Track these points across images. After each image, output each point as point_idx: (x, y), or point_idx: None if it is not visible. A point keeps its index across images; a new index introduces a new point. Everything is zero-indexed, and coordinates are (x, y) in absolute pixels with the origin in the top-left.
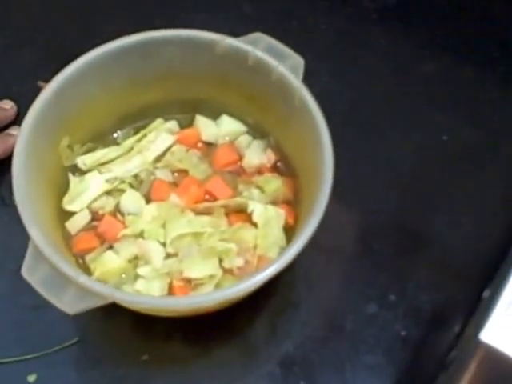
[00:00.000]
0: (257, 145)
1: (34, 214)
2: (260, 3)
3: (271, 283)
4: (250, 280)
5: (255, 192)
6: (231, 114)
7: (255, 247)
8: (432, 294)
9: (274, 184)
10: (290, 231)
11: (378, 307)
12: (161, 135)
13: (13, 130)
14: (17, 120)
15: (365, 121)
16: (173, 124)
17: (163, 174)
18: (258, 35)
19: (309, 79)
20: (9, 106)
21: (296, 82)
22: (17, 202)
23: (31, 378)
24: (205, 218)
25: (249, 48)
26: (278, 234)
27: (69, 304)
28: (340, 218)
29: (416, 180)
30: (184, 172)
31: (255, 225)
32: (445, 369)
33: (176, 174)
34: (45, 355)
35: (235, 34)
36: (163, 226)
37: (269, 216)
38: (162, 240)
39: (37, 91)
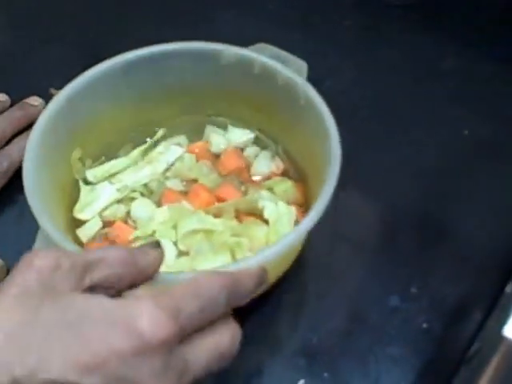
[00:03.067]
0: (264, 154)
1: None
2: (285, 0)
3: (295, 276)
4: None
5: (265, 193)
6: (237, 125)
7: (267, 244)
8: (454, 287)
9: (284, 185)
10: None
11: (400, 300)
12: (171, 147)
13: None
14: None
15: (389, 115)
16: (182, 139)
17: (173, 184)
18: (262, 45)
19: (333, 75)
20: (37, 102)
21: (301, 80)
22: (32, 209)
23: None
24: (216, 220)
25: (254, 55)
26: (289, 231)
27: None
28: (364, 212)
29: (438, 174)
30: (194, 181)
31: (266, 222)
32: (467, 362)
33: (186, 183)
34: None
35: (259, 30)
36: (174, 227)
37: (280, 212)
38: (173, 239)
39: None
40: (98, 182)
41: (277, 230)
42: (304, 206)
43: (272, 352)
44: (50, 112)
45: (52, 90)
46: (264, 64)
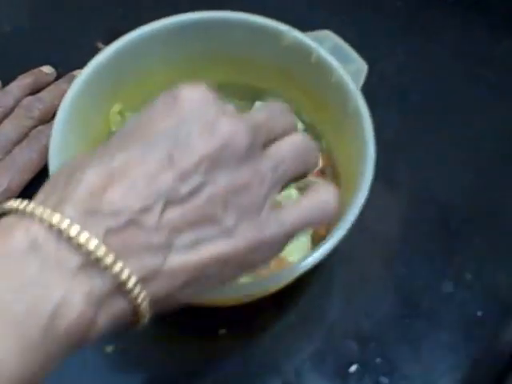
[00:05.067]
0: None
1: None
2: None
3: (347, 259)
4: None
5: (293, 192)
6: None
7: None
8: (508, 275)
9: None
10: (320, 241)
11: (454, 286)
12: None
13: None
14: None
15: (441, 100)
16: None
17: None
18: (326, 33)
19: (384, 57)
20: (50, 71)
21: (353, 87)
22: (49, 157)
23: (108, 348)
24: None
25: (313, 44)
26: (303, 240)
27: None
28: (415, 196)
29: (492, 161)
30: None
31: None
32: None
33: None
34: None
35: (307, 10)
36: None
37: None
38: None
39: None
40: None
41: None
42: None
43: (324, 336)
44: (93, 66)
45: (99, 45)
46: (320, 56)
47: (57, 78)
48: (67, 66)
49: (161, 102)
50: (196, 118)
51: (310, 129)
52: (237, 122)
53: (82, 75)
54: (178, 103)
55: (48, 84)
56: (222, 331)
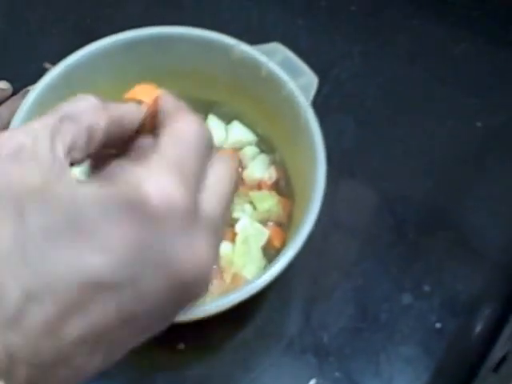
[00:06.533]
0: (262, 159)
1: None
2: None
3: (305, 271)
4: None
5: (247, 207)
6: (243, 121)
7: (231, 263)
8: (468, 285)
9: (268, 203)
10: (274, 254)
11: (412, 298)
12: None
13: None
14: None
15: (397, 105)
16: None
17: None
18: (275, 45)
19: (340, 61)
20: (6, 86)
21: (303, 101)
22: None
23: None
24: None
25: (263, 59)
26: (255, 254)
27: None
28: (374, 205)
29: (451, 167)
30: None
31: (234, 240)
32: (494, 371)
33: None
34: None
35: (263, 16)
36: None
37: (250, 232)
38: None
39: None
40: None
41: (243, 251)
42: (285, 227)
43: (283, 350)
44: (44, 83)
45: (46, 64)
46: (271, 70)
47: (14, 93)
48: (23, 81)
49: None
50: None
51: (263, 141)
52: None
53: (33, 92)
54: None
55: (4, 99)
56: (181, 346)
